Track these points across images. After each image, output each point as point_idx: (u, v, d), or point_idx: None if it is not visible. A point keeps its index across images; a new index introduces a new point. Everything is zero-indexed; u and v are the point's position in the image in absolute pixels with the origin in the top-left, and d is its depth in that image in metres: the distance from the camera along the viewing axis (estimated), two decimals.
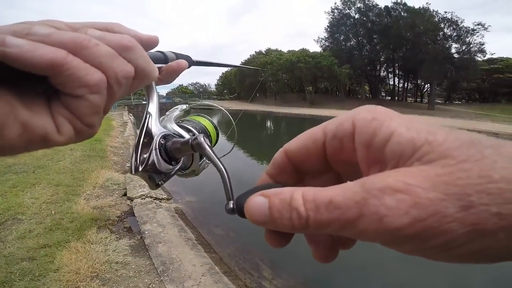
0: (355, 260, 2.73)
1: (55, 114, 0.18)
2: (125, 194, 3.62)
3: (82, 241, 2.35)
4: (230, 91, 50.19)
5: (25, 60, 0.15)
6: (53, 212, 2.88)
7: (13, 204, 2.98)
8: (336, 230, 0.14)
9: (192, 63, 0.32)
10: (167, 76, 0.28)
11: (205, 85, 76.59)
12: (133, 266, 2.13)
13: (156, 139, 0.26)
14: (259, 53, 38.75)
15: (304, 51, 30.87)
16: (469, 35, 24.69)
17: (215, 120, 0.37)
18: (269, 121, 20.60)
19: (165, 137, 0.27)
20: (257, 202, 0.16)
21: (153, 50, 0.26)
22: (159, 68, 0.27)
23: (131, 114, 17.14)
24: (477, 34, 24.10)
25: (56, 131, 0.18)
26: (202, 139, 0.25)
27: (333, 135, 0.17)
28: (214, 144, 0.36)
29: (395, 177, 0.12)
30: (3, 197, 3.18)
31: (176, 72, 0.29)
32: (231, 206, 0.19)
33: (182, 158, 0.29)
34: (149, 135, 0.26)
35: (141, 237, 2.57)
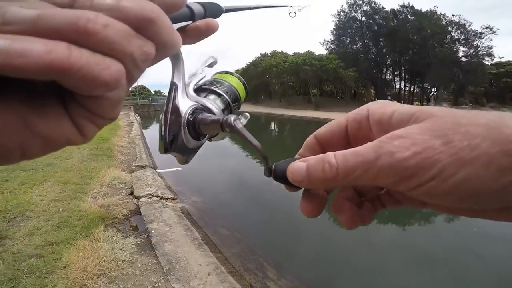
0: (360, 263, 2.73)
1: (74, 117, 0.16)
2: (131, 193, 3.64)
3: (90, 239, 2.37)
4: None
5: (14, 69, 0.11)
6: (60, 210, 2.91)
7: (22, 201, 3.02)
8: (361, 176, 0.18)
9: (221, 11, 0.28)
10: (193, 38, 0.24)
11: None
12: (140, 265, 2.14)
13: (185, 116, 0.24)
14: (265, 55, 38.85)
15: (309, 54, 30.87)
16: (477, 38, 24.47)
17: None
18: (273, 124, 20.58)
19: (193, 111, 0.25)
20: (297, 164, 0.21)
21: None
22: (184, 27, 0.23)
23: (137, 114, 17.35)
24: (485, 37, 23.89)
25: (79, 134, 0.16)
26: (233, 121, 0.24)
27: (353, 119, 0.23)
28: (243, 99, 0.33)
29: (399, 130, 0.18)
30: (12, 193, 3.22)
31: (204, 35, 0.24)
32: (269, 170, 0.23)
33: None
34: (176, 111, 0.24)
35: (147, 235, 2.58)
